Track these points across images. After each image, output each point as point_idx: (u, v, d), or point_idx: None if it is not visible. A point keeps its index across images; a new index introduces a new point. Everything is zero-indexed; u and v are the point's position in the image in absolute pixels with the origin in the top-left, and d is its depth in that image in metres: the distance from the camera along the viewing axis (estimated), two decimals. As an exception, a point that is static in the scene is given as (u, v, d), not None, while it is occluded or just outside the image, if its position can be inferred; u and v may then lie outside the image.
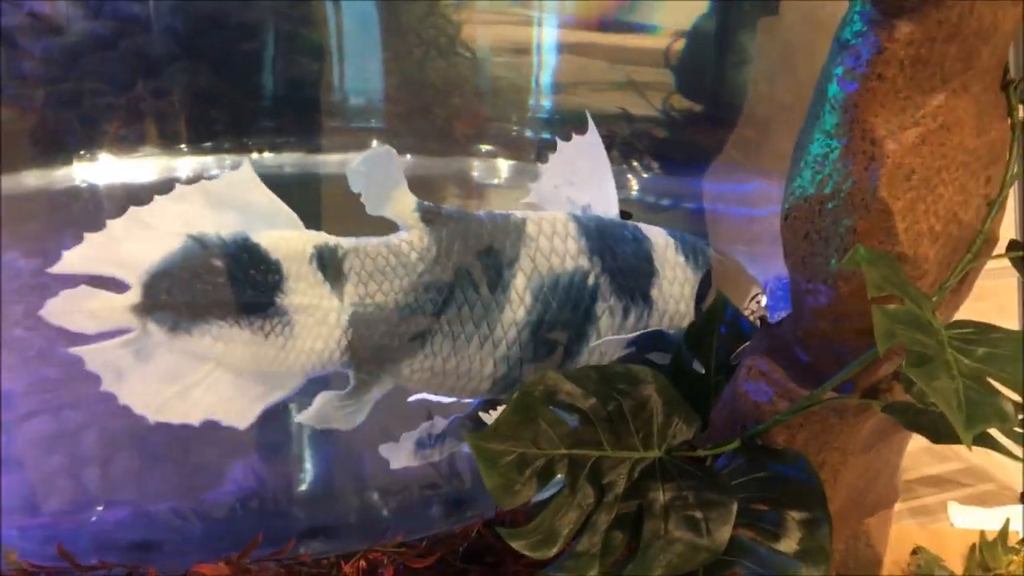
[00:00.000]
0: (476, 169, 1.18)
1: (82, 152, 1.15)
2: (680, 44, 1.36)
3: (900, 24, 0.45)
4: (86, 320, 0.50)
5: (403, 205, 0.55)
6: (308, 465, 0.80)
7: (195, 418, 0.53)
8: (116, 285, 0.51)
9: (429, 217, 0.56)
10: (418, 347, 0.56)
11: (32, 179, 1.13)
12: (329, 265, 0.54)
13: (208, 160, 1.21)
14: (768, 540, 0.48)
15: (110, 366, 0.51)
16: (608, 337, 0.59)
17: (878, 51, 0.45)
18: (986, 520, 0.76)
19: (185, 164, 1.18)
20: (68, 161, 1.16)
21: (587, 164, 0.63)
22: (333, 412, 0.55)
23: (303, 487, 0.78)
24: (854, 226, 0.46)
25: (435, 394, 0.60)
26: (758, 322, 0.63)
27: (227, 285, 0.52)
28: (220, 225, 0.52)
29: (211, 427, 0.53)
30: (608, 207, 0.62)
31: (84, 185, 1.14)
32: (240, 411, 0.53)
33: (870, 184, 0.46)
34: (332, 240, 0.55)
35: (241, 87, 1.31)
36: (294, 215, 0.54)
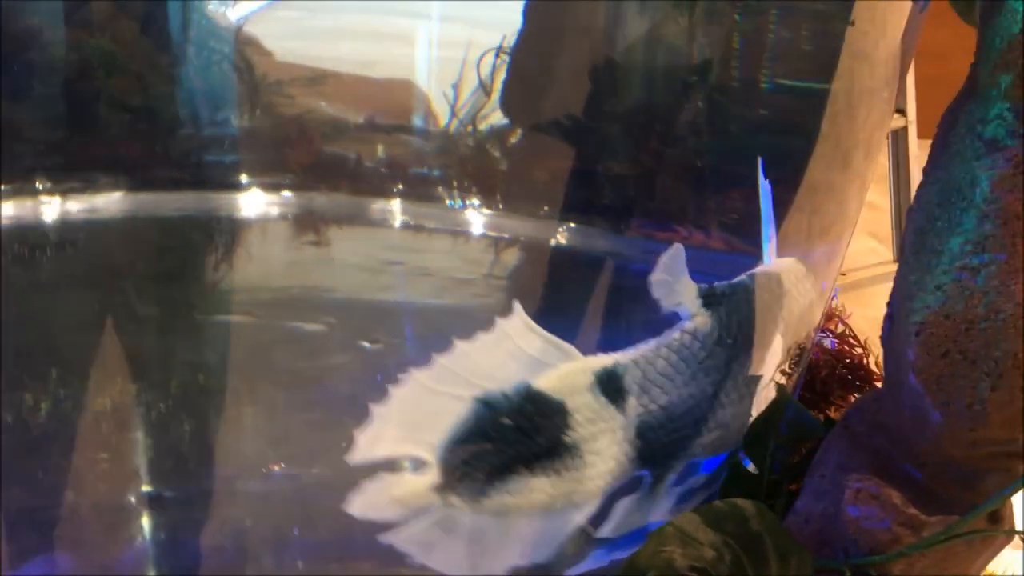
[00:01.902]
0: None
1: None
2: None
3: (1065, 126, 0.41)
4: (393, 510, 0.49)
5: (689, 294, 0.55)
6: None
7: (507, 568, 0.52)
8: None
9: (710, 300, 0.55)
10: (703, 426, 0.55)
11: None
12: (610, 387, 0.53)
13: (18, 205, 1.02)
14: None
15: (420, 543, 0.50)
16: None
17: (1044, 157, 0.41)
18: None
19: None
20: None
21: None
22: (631, 517, 0.54)
23: None
24: (1014, 350, 0.42)
25: None
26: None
27: (519, 440, 0.51)
28: (501, 375, 0.51)
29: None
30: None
31: None
32: (545, 547, 0.53)
33: (1039, 307, 0.42)
34: (609, 361, 0.53)
35: (34, 109, 1.11)
36: (570, 347, 0.53)
